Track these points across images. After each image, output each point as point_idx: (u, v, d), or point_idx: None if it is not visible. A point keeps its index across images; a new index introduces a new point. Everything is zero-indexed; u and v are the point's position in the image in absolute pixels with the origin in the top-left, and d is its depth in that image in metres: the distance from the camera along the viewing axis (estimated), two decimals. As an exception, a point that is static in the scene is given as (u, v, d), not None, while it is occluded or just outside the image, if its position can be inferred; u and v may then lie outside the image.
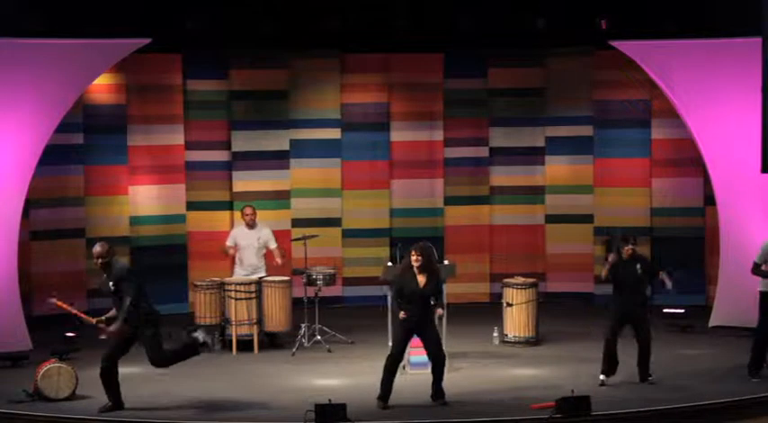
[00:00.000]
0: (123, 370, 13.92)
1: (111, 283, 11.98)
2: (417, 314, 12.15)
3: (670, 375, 13.27)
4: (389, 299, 13.23)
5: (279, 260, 15.30)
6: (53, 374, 12.38)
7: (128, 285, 11.89)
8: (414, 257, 12.22)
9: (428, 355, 12.31)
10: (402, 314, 12.15)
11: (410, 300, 12.16)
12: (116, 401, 12.07)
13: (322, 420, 11.29)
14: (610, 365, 12.98)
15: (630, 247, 12.99)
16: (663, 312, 16.17)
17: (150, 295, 17.45)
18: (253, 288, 14.84)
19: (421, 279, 12.21)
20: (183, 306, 17.05)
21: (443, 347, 12.46)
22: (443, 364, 12.32)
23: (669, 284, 13.12)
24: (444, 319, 13.53)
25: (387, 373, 12.19)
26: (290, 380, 13.40)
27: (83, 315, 12.25)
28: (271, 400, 12.36)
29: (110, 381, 12.06)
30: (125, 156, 17.26)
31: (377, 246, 17.82)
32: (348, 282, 17.92)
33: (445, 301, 13.21)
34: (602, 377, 12.96)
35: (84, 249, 16.96)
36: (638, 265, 13.01)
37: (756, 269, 13.17)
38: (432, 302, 12.31)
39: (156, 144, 17.43)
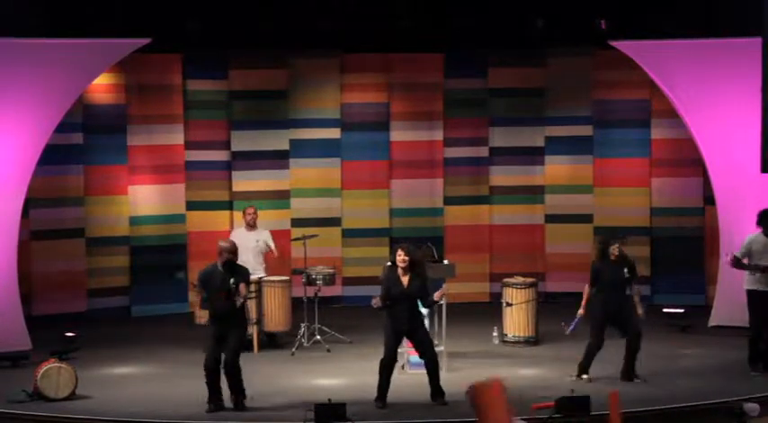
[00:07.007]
0: (122, 370, 13.93)
1: (232, 281, 12.15)
2: (405, 315, 12.11)
3: (669, 375, 13.26)
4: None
5: (275, 254, 15.44)
6: (53, 374, 12.36)
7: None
8: (400, 257, 12.16)
9: (420, 356, 12.29)
10: (375, 301, 12.08)
11: (397, 300, 12.12)
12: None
13: (322, 420, 11.27)
14: (585, 366, 13.03)
15: (617, 246, 12.97)
16: (663, 312, 16.17)
17: (149, 295, 17.41)
18: (252, 288, 14.81)
19: (405, 279, 12.16)
20: (183, 306, 17.04)
21: (441, 346, 12.39)
22: (437, 363, 12.30)
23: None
24: (444, 319, 13.53)
25: (382, 376, 12.16)
26: (290, 380, 13.38)
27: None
28: (270, 400, 12.34)
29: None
30: (125, 156, 17.25)
31: (377, 246, 17.81)
32: (348, 282, 17.90)
33: (444, 301, 13.23)
34: (572, 377, 13.04)
35: (84, 249, 16.98)
36: (626, 270, 12.98)
37: (737, 262, 13.19)
38: (420, 305, 12.31)
39: (156, 144, 17.42)
